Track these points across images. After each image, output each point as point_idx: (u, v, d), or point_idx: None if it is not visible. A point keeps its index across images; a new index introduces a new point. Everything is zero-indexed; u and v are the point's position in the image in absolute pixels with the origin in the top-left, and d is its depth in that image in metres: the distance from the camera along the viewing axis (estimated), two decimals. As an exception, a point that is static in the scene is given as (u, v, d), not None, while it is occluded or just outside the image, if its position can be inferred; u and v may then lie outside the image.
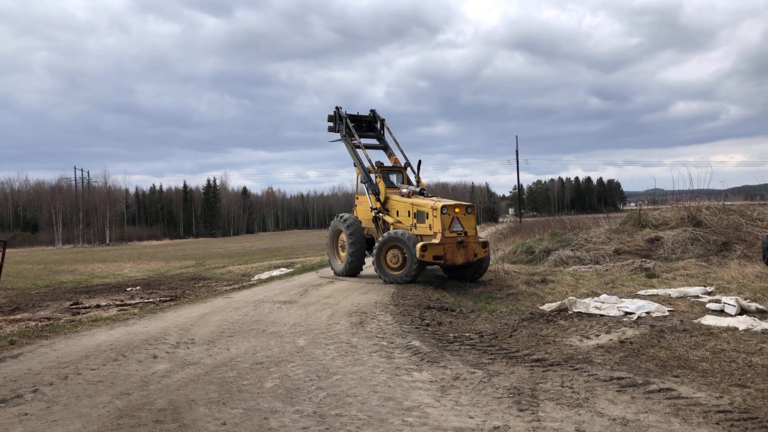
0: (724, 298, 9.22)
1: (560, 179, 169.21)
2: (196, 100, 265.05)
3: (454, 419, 4.64)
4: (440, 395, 5.26)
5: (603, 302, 9.77)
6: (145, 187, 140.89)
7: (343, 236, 15.07)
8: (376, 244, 13.63)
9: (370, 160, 15.55)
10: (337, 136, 16.59)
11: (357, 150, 15.97)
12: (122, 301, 15.10)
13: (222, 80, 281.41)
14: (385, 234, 13.68)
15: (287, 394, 5.39)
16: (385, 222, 14.69)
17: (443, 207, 13.10)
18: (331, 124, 16.68)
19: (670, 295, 10.74)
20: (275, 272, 21.16)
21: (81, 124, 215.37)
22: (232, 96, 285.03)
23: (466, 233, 13.18)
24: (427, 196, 14.57)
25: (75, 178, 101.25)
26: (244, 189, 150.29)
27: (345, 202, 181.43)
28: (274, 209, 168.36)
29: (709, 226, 18.88)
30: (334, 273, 15.50)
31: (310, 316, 9.69)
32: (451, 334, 7.92)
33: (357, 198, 16.33)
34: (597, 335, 7.58)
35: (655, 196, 31.13)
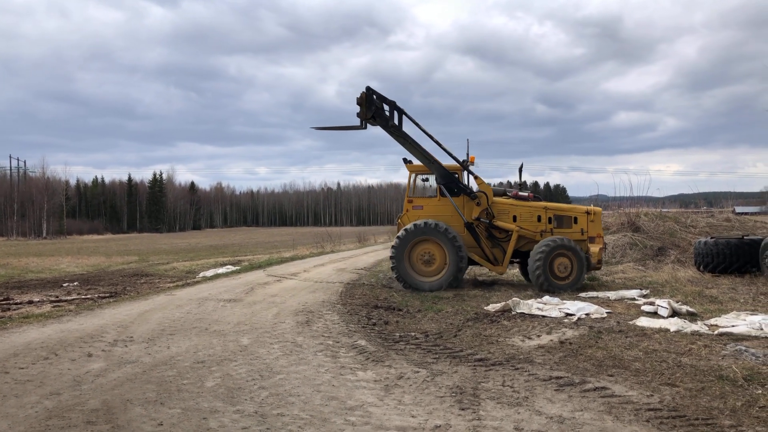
0: (658, 301, 9.64)
1: (509, 183, 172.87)
2: (141, 91, 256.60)
3: (396, 418, 4.66)
4: (384, 394, 5.27)
5: (545, 303, 10.04)
6: (87, 178, 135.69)
7: (432, 247, 12.79)
8: (543, 252, 12.18)
9: (454, 155, 13.47)
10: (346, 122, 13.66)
11: (414, 141, 13.28)
12: (57, 297, 14.45)
13: (168, 72, 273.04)
14: (550, 241, 12.34)
15: (228, 393, 5.29)
16: (493, 229, 13.14)
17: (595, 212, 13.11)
18: (361, 108, 13.09)
19: (609, 297, 11.14)
20: (221, 270, 20.74)
21: (16, 112, 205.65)
22: (178, 88, 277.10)
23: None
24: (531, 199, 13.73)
25: (10, 167, 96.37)
26: (192, 184, 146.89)
27: (297, 200, 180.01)
28: (223, 205, 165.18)
29: (647, 231, 19.72)
30: (420, 289, 12.57)
31: (255, 314, 9.54)
32: (397, 334, 7.96)
33: (410, 201, 13.70)
34: (538, 336, 7.77)
35: (599, 202, 32.22)
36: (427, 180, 13.89)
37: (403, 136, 13.22)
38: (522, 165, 15.09)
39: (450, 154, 13.58)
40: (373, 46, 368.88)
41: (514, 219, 13.17)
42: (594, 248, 12.62)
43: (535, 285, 12.43)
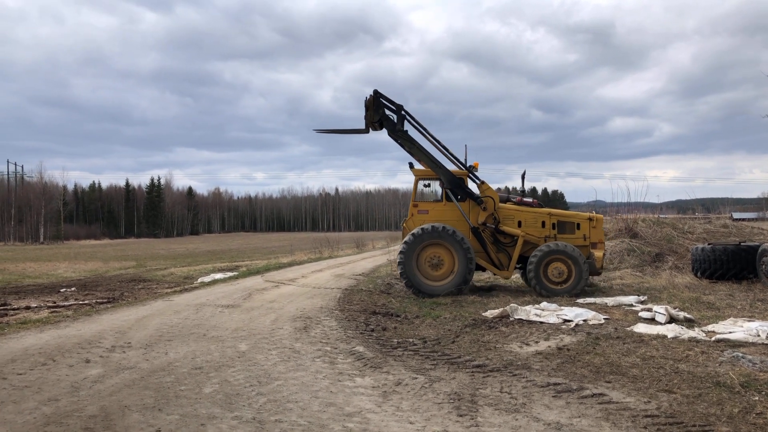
0: (655, 307, 9.65)
1: (506, 188, 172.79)
2: (136, 97, 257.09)
3: (394, 425, 4.66)
4: (382, 401, 5.27)
5: (543, 310, 10.04)
6: (85, 183, 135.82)
7: (441, 251, 12.74)
8: (535, 256, 12.53)
9: (461, 160, 13.50)
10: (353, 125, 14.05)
11: (421, 146, 13.32)
12: (55, 302, 14.42)
13: (163, 77, 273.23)
14: (545, 246, 12.61)
15: (226, 399, 5.29)
16: (498, 234, 13.21)
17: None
18: (368, 112, 13.27)
19: (606, 303, 11.16)
20: (219, 275, 20.72)
21: (11, 117, 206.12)
22: (173, 94, 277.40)
23: None
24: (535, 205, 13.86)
25: (8, 172, 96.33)
26: (190, 189, 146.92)
27: (294, 205, 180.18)
28: (221, 210, 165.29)
29: (645, 237, 19.76)
30: (425, 294, 12.53)
31: (253, 320, 9.54)
32: (395, 340, 7.96)
33: (415, 205, 13.62)
34: (536, 342, 7.78)
35: (597, 208, 32.30)
36: (429, 185, 13.91)
37: (410, 141, 13.23)
38: (525, 172, 15.14)
39: (456, 160, 13.63)
40: (368, 53, 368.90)
41: (519, 224, 13.30)
42: (598, 254, 12.99)
43: (533, 289, 12.67)
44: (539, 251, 12.59)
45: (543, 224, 13.30)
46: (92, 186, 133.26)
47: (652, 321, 9.08)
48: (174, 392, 5.50)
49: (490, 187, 13.53)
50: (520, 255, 13.21)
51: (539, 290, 12.41)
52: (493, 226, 13.17)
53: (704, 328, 8.36)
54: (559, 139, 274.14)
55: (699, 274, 14.63)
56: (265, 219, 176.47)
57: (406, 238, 12.91)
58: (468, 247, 12.60)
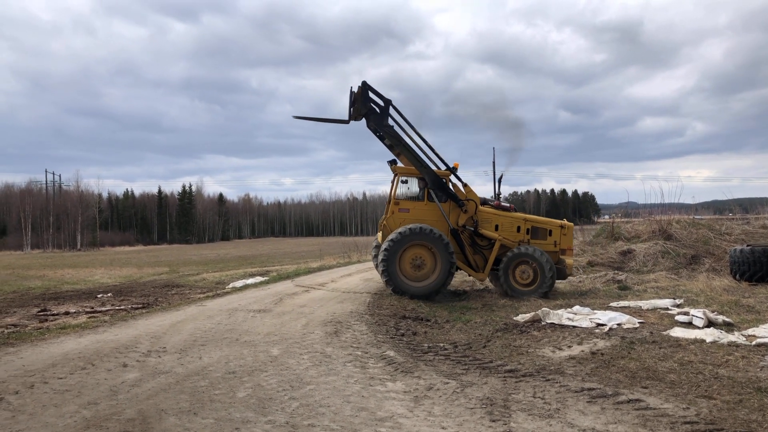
0: (692, 311, 9.42)
1: (536, 191, 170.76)
2: (166, 105, 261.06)
3: (426, 429, 4.65)
4: (414, 405, 5.27)
5: (576, 314, 9.90)
6: (119, 191, 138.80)
7: (423, 252, 12.65)
8: (504, 260, 12.96)
9: (445, 161, 13.47)
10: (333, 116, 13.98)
11: (407, 144, 13.22)
12: (92, 308, 14.80)
13: (192, 85, 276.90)
14: (515, 250, 13.00)
15: (259, 404, 5.35)
16: (476, 236, 13.35)
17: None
18: (356, 105, 13.21)
19: (640, 307, 10.94)
20: (250, 280, 20.94)
21: (48, 127, 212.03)
22: (202, 101, 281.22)
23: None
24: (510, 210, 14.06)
25: (46, 181, 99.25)
26: (221, 195, 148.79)
27: (323, 210, 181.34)
28: (251, 216, 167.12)
29: (679, 239, 19.32)
30: (403, 293, 12.58)
31: (284, 325, 9.63)
32: (426, 345, 7.94)
33: (395, 204, 13.52)
34: (569, 346, 7.67)
35: (629, 209, 31.68)
36: (406, 182, 13.79)
37: (397, 138, 13.18)
38: (501, 176, 15.76)
39: (441, 160, 13.62)
40: (392, 57, 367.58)
41: (496, 228, 13.53)
42: (569, 260, 13.50)
43: (503, 289, 13.10)
44: (509, 254, 13.06)
45: (518, 229, 13.59)
46: (126, 193, 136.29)
47: (689, 325, 8.87)
48: (209, 396, 5.59)
49: (472, 190, 13.64)
50: (495, 257, 13.36)
51: (509, 291, 12.83)
52: (472, 229, 13.34)
53: (744, 332, 8.13)
54: (588, 140, 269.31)
55: (737, 276, 14.24)
56: (294, 224, 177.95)
57: (391, 237, 12.68)
58: (452, 251, 12.64)
